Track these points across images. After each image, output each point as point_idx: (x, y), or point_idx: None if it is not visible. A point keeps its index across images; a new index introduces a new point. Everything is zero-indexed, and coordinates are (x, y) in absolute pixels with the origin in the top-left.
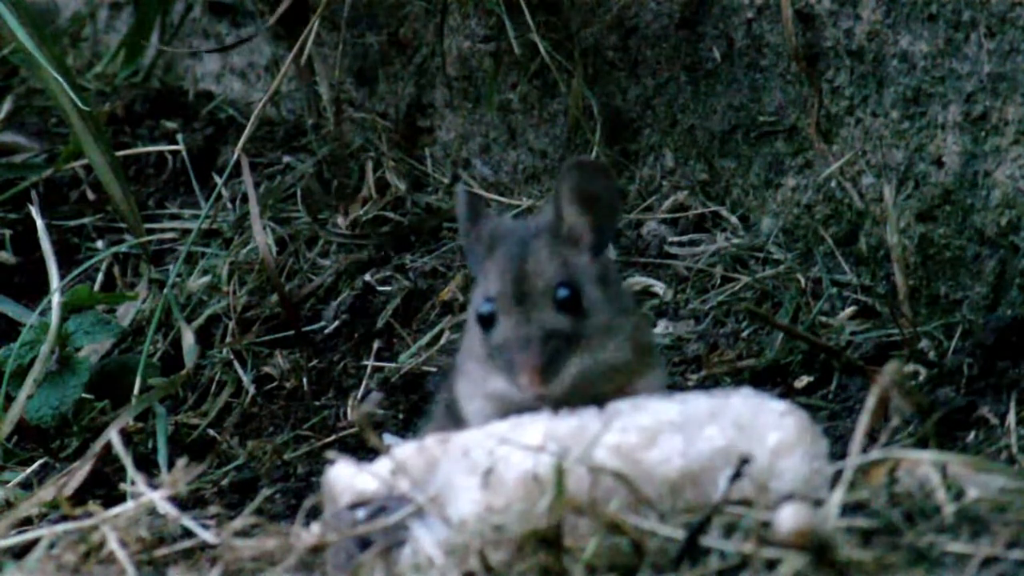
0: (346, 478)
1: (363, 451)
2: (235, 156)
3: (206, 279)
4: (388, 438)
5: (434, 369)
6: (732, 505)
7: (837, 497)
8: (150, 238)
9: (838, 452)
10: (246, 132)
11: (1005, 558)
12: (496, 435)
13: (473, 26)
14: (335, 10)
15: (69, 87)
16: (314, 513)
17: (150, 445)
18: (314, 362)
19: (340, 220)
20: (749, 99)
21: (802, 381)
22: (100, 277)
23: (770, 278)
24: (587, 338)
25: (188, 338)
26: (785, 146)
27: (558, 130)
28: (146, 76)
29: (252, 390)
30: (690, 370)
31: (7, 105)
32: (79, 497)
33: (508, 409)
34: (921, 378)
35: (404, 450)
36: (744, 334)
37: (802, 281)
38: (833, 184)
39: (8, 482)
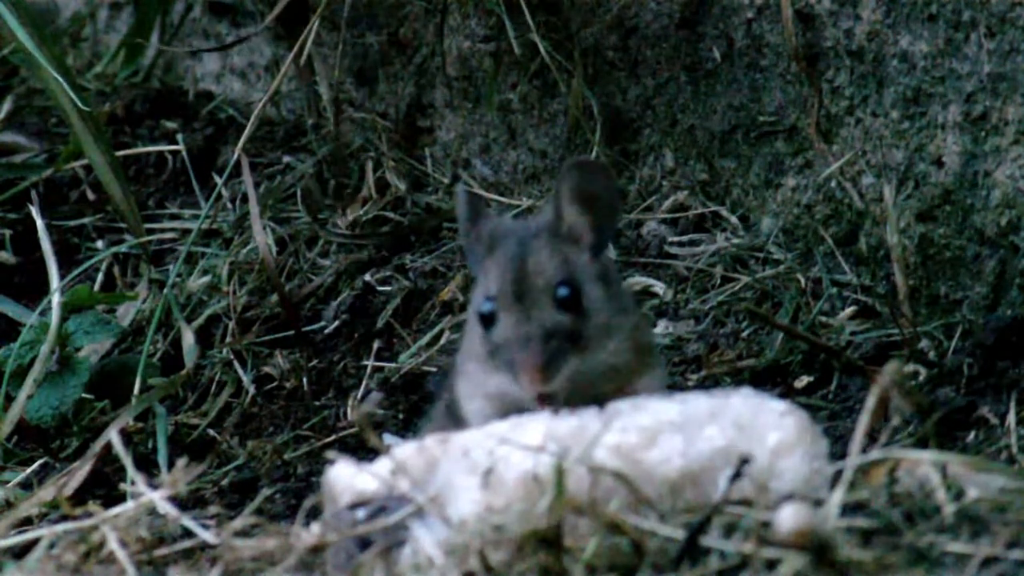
0: (346, 478)
1: (363, 451)
2: (235, 156)
3: (206, 279)
4: (388, 438)
5: (434, 369)
6: (732, 505)
7: (837, 497)
8: (150, 238)
9: (838, 452)
10: (246, 132)
11: (1005, 558)
12: (496, 435)
13: (473, 26)
14: (335, 10)
15: (69, 87)
16: (314, 513)
17: (150, 445)
18: (314, 362)
19: (340, 220)
20: (749, 99)
21: (802, 381)
22: (100, 277)
23: (770, 278)
24: (587, 337)
25: (188, 338)
26: (785, 146)
27: (558, 130)
28: (146, 76)
29: (252, 390)
30: (690, 370)
31: (7, 105)
32: (79, 497)
33: (508, 409)
34: (921, 378)
35: (404, 450)
36: (744, 334)
37: (802, 281)
38: (833, 184)
39: (8, 482)
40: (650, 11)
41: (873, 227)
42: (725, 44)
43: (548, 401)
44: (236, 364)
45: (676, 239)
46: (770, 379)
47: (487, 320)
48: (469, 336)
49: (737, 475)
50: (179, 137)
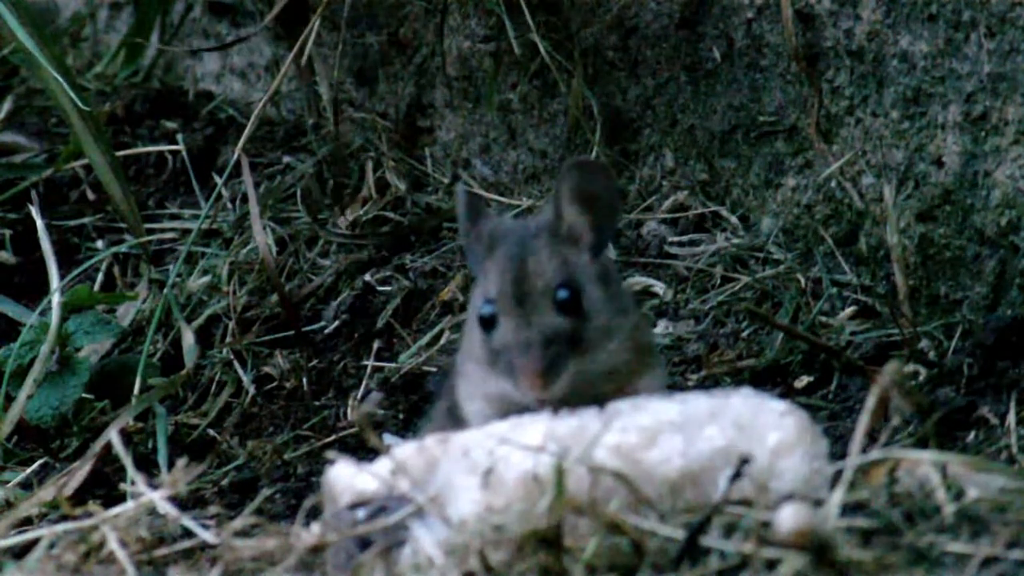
0: (346, 478)
1: (363, 451)
2: (235, 156)
3: (206, 279)
4: (388, 438)
5: (434, 369)
6: (732, 505)
7: (837, 497)
8: (150, 238)
9: (838, 452)
10: (246, 132)
11: (1005, 558)
12: (496, 435)
13: (473, 26)
14: (335, 10)
15: (69, 87)
16: (314, 513)
17: (150, 445)
18: (314, 362)
19: (340, 220)
20: (749, 99)
21: (802, 381)
22: (100, 277)
23: (770, 278)
24: (587, 339)
25: (188, 338)
26: (785, 146)
27: (558, 130)
28: (146, 76)
29: (252, 390)
30: (690, 370)
31: (7, 105)
32: (79, 497)
33: (508, 409)
34: (921, 378)
35: (404, 450)
36: (744, 334)
37: (802, 281)
38: (833, 184)
39: (8, 482)
40: (650, 11)
41: (873, 227)
42: (725, 44)
43: (548, 403)
44: (236, 364)
45: (676, 239)
46: (770, 379)
47: (487, 323)
48: (469, 337)
49: (737, 475)
50: (179, 137)
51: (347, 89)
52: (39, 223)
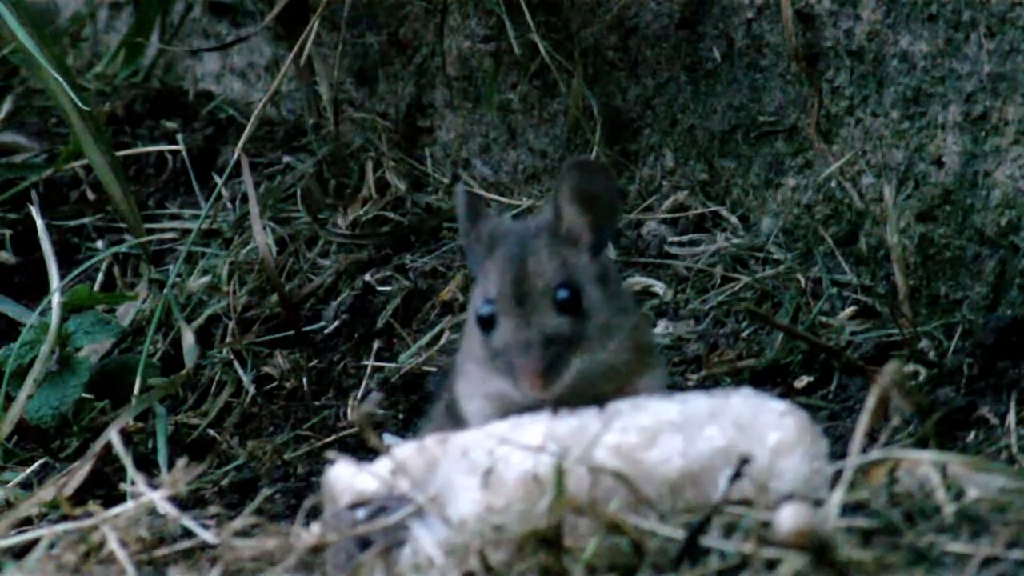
0: (346, 478)
1: (363, 451)
2: (235, 156)
3: (206, 279)
4: (388, 438)
5: (434, 369)
6: (732, 505)
7: (837, 497)
8: (150, 238)
9: (838, 452)
10: (246, 132)
11: (1005, 558)
12: (496, 435)
13: (473, 26)
14: (335, 10)
15: (69, 87)
16: (314, 513)
17: (150, 445)
18: (314, 362)
19: (340, 220)
20: (749, 99)
21: (802, 381)
22: (100, 277)
23: (770, 278)
24: (587, 339)
25: (188, 338)
26: (785, 146)
27: (558, 130)
28: (146, 76)
29: (252, 390)
30: (690, 370)
31: (7, 105)
32: (79, 497)
33: (508, 409)
34: (921, 378)
35: (404, 450)
36: (744, 334)
37: (802, 281)
38: (833, 184)
39: (8, 482)
40: (650, 11)
41: (873, 227)
42: (725, 44)
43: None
44: (236, 364)
45: (676, 239)
46: (770, 379)
47: (486, 323)
48: (469, 337)
49: (737, 475)
50: (179, 137)
51: (347, 89)
52: (39, 223)
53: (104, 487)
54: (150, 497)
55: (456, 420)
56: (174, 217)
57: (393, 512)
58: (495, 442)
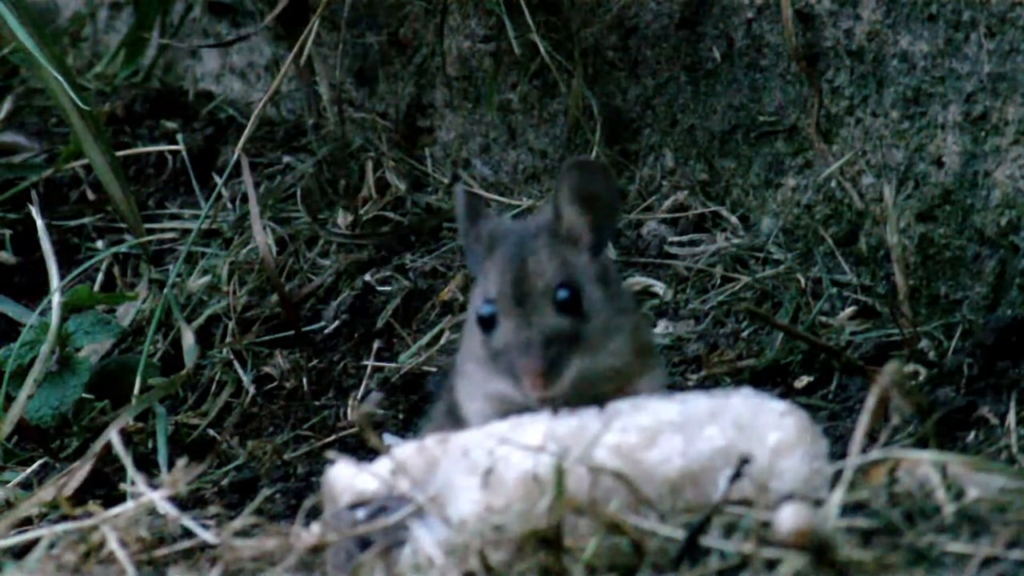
0: (346, 478)
1: (363, 451)
2: (235, 156)
3: (206, 279)
4: (388, 438)
5: (434, 369)
6: (732, 505)
7: (837, 497)
8: (150, 238)
9: (838, 452)
10: (246, 132)
11: (1005, 558)
12: (496, 435)
13: (473, 26)
14: (335, 10)
15: (69, 87)
16: (314, 513)
17: (150, 445)
18: (314, 362)
19: (340, 220)
20: (749, 99)
21: (802, 381)
22: (100, 277)
23: (770, 278)
24: (587, 339)
25: (188, 338)
26: (785, 146)
27: (558, 130)
28: (146, 76)
29: (252, 390)
30: (690, 370)
31: (7, 105)
32: (79, 497)
33: (508, 409)
34: (921, 378)
35: (404, 450)
36: (744, 334)
37: (802, 281)
38: (833, 184)
39: (8, 482)
40: (650, 11)
41: (873, 227)
42: (725, 44)
43: (549, 403)
44: (236, 364)
45: (676, 239)
46: (770, 379)
47: (487, 323)
48: (469, 337)
49: (737, 475)
50: (179, 137)
51: (347, 89)
52: (39, 223)
53: (104, 487)
54: (150, 497)
55: (456, 421)
56: (174, 217)
57: (393, 512)
58: (495, 442)
